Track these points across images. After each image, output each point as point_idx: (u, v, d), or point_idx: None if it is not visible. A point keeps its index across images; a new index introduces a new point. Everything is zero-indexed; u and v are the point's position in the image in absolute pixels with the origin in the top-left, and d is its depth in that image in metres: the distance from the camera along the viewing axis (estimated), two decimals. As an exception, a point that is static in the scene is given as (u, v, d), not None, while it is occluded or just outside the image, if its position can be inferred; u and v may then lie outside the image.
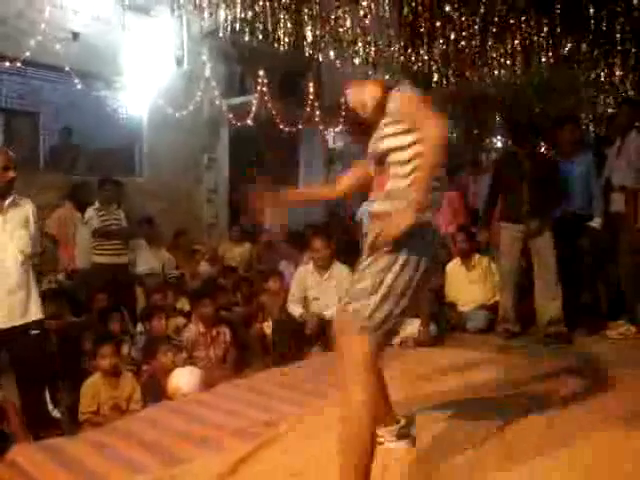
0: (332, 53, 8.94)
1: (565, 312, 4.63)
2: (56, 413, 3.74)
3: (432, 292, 5.16)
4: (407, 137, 2.22)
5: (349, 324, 2.13)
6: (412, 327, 4.82)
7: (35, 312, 3.61)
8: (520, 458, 2.46)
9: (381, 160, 2.29)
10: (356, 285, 2.17)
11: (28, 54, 6.55)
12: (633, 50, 8.39)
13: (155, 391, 3.92)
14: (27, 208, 3.65)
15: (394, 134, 2.24)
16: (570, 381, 3.53)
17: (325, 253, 5.13)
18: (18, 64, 6.55)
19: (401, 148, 2.23)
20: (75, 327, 4.78)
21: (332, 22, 8.19)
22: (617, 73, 8.76)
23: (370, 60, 9.20)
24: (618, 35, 7.96)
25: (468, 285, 5.49)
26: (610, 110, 9.28)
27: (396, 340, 4.75)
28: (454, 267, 5.64)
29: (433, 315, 4.86)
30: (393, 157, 2.24)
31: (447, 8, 8.17)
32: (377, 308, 2.08)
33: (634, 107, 5.21)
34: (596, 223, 4.88)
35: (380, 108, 2.32)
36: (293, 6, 7.81)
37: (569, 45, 8.35)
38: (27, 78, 7.18)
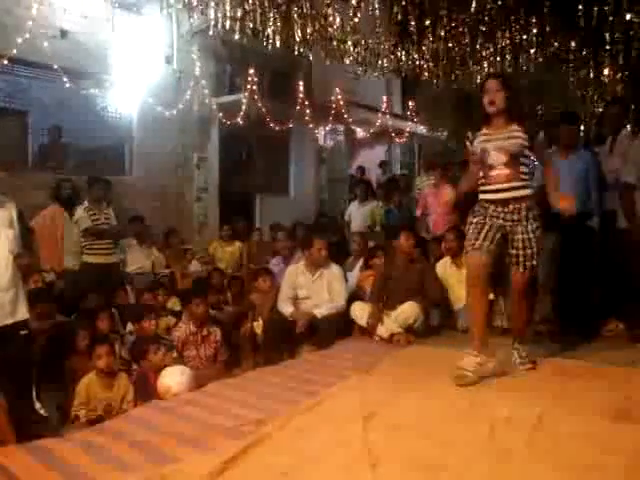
0: (322, 52, 8.91)
1: (558, 310, 4.65)
2: (43, 412, 3.73)
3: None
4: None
5: None
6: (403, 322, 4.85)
7: (23, 312, 3.61)
8: (511, 457, 2.47)
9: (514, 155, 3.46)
10: None
11: (15, 52, 6.50)
12: (622, 48, 8.43)
13: (146, 390, 3.91)
14: (10, 208, 3.64)
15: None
16: (561, 378, 3.55)
17: (325, 253, 5.20)
18: (5, 62, 6.50)
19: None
20: (64, 327, 4.76)
21: (322, 21, 8.17)
22: (606, 72, 8.79)
23: (360, 59, 9.18)
24: (607, 34, 7.99)
25: (458, 284, 5.48)
26: (599, 109, 9.32)
27: (386, 335, 4.77)
28: (444, 266, 5.64)
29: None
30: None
31: (437, 7, 8.16)
32: None
33: (623, 105, 5.23)
34: (594, 223, 4.84)
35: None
36: (283, 5, 7.78)
37: (558, 44, 8.36)
38: (15, 76, 7.13)
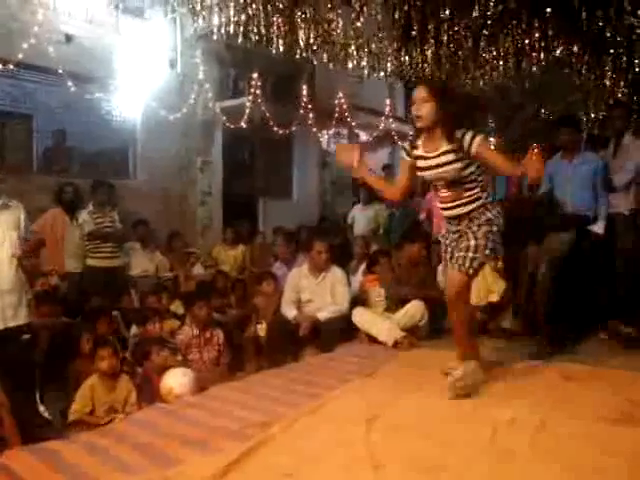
0: (325, 56, 8.94)
1: (562, 312, 4.65)
2: (47, 415, 3.74)
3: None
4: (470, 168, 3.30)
5: None
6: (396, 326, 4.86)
7: (25, 315, 3.63)
8: (512, 457, 2.48)
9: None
10: None
11: (21, 56, 6.53)
12: (624, 53, 8.45)
13: (149, 392, 3.92)
14: (18, 210, 3.67)
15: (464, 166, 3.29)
16: (564, 381, 3.55)
17: (326, 256, 5.20)
18: (11, 66, 6.53)
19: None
20: (68, 329, 4.78)
21: (325, 25, 8.20)
22: (608, 75, 8.81)
23: (363, 63, 9.21)
24: (609, 39, 8.01)
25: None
26: (601, 113, 9.35)
27: (390, 343, 4.76)
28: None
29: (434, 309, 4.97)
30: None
31: (439, 11, 8.19)
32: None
33: (626, 109, 5.24)
34: (599, 228, 4.79)
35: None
36: (287, 9, 7.81)
37: (561, 48, 8.39)
38: (20, 80, 7.16)
